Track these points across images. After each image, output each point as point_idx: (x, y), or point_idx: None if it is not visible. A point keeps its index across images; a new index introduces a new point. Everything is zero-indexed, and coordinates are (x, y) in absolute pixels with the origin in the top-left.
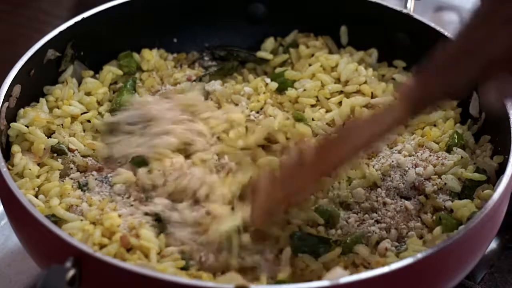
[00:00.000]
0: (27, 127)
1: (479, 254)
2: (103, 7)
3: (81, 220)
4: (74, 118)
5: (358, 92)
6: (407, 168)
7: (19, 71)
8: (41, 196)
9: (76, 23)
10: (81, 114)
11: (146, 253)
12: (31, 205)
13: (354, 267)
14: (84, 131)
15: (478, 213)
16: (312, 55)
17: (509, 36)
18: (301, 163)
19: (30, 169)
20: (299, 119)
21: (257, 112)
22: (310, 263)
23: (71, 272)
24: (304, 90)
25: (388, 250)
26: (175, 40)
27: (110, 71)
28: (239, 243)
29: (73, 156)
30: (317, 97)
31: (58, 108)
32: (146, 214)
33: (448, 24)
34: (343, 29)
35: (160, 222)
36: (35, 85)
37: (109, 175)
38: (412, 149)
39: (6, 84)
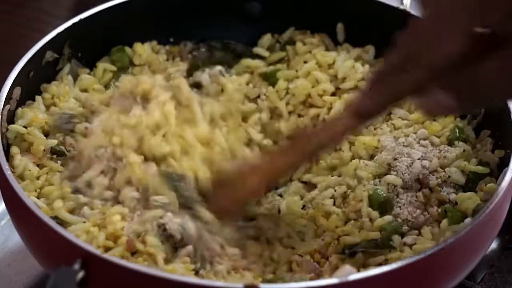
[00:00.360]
0: (26, 127)
1: (482, 251)
2: (101, 7)
3: (84, 222)
4: None
5: (355, 88)
6: (412, 161)
7: (18, 73)
8: (42, 199)
9: (74, 24)
10: None
11: (152, 258)
12: (37, 208)
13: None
14: None
15: (484, 207)
16: (309, 52)
17: (449, 47)
18: (252, 168)
19: (30, 170)
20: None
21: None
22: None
23: (81, 274)
24: (296, 86)
25: (405, 245)
26: (171, 40)
27: (104, 68)
28: None
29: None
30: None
31: (55, 106)
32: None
33: None
34: (340, 26)
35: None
36: (34, 87)
37: None
38: (415, 142)
39: (7, 87)
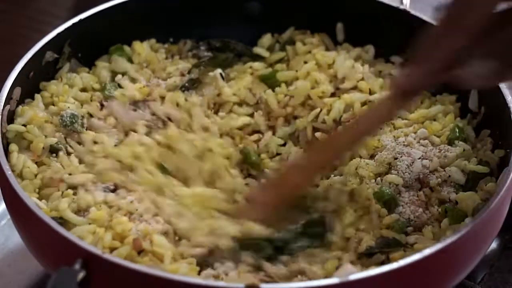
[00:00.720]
0: (25, 125)
1: (483, 250)
2: (100, 7)
3: (89, 224)
4: None
5: (355, 88)
6: (412, 160)
7: (18, 73)
8: (44, 201)
9: (73, 24)
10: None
11: (159, 257)
12: (38, 208)
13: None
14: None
15: (485, 206)
16: (309, 52)
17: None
18: (300, 162)
19: (28, 167)
20: None
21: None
22: None
23: (81, 274)
24: (296, 88)
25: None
26: (171, 39)
27: (104, 67)
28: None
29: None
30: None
31: (54, 105)
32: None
33: None
34: (339, 26)
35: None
36: (34, 87)
37: None
38: (415, 142)
39: (7, 87)
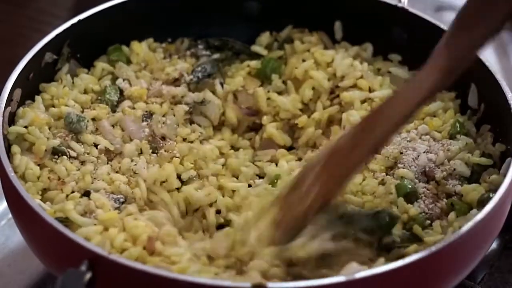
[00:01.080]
0: (26, 127)
1: (487, 246)
2: (99, 8)
3: (95, 224)
4: None
5: (354, 86)
6: (418, 154)
7: (18, 75)
8: (48, 203)
9: (72, 24)
10: None
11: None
12: (42, 210)
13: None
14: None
15: (491, 201)
16: (307, 50)
17: None
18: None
19: (31, 169)
20: None
21: None
22: None
23: (88, 275)
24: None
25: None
26: (169, 40)
27: (102, 67)
28: None
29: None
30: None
31: (54, 107)
32: None
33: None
34: (338, 24)
35: None
36: (34, 88)
37: None
38: (417, 137)
39: (7, 89)
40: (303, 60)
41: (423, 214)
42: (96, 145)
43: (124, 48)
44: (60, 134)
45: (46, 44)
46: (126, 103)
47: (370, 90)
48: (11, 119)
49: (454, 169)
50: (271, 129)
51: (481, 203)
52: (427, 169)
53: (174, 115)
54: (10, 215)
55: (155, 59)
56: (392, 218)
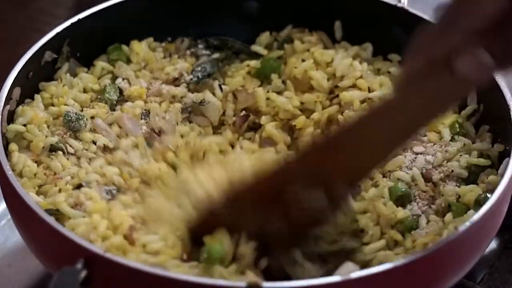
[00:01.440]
0: (25, 125)
1: (484, 246)
2: (99, 7)
3: (84, 217)
4: None
5: (353, 86)
6: (415, 155)
7: (18, 73)
8: (41, 197)
9: (72, 23)
10: None
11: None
12: (39, 208)
13: None
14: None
15: (488, 201)
16: (307, 50)
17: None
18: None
19: (28, 166)
20: None
21: None
22: None
23: (83, 273)
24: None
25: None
26: (169, 38)
27: (102, 67)
28: None
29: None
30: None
31: (53, 105)
32: None
33: None
34: (338, 24)
35: None
36: (33, 87)
37: None
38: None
39: (6, 87)
40: (303, 60)
41: (414, 216)
42: (94, 143)
43: (124, 47)
44: (59, 132)
45: (46, 43)
46: (126, 102)
47: (370, 90)
48: (10, 118)
49: (452, 171)
50: (270, 128)
51: (478, 203)
52: (424, 171)
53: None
54: (10, 216)
55: (155, 59)
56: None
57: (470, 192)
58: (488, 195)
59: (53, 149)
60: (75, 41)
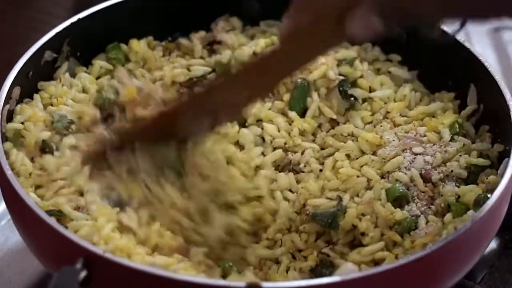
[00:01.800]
0: (23, 123)
1: (484, 246)
2: (99, 7)
3: (87, 220)
4: None
5: (354, 86)
6: (415, 156)
7: (18, 73)
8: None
9: (72, 23)
10: None
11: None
12: (39, 208)
13: None
14: None
15: (488, 201)
16: None
17: None
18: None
19: (25, 165)
20: None
21: None
22: None
23: (83, 273)
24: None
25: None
26: (169, 38)
27: (100, 66)
28: None
29: None
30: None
31: (52, 105)
32: None
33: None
34: None
35: None
36: (33, 87)
37: None
38: (416, 139)
39: (6, 86)
40: None
41: (413, 217)
42: None
43: (123, 46)
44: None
45: (45, 43)
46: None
47: (370, 90)
48: (10, 117)
49: (452, 171)
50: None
51: (478, 203)
52: (423, 171)
53: None
54: (9, 216)
55: (154, 58)
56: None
57: (470, 192)
58: (488, 195)
59: (46, 146)
60: (75, 40)
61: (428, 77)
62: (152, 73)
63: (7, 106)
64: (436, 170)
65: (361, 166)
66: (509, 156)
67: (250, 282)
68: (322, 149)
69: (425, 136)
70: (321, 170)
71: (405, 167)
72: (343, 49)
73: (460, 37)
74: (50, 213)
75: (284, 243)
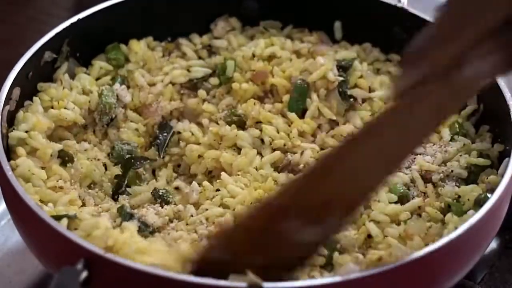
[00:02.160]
0: (27, 132)
1: (484, 246)
2: (99, 7)
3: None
4: None
5: (354, 86)
6: (415, 156)
7: (17, 74)
8: (50, 204)
9: (72, 24)
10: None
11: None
12: (39, 208)
13: None
14: None
15: (488, 201)
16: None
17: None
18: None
19: (34, 174)
20: None
21: None
22: None
23: (84, 274)
24: None
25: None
26: (169, 39)
27: (100, 66)
28: None
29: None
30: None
31: (53, 108)
32: None
33: None
34: (337, 24)
35: None
36: (33, 87)
37: None
38: None
39: (6, 87)
40: None
41: (413, 217)
42: None
43: (123, 46)
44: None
45: (45, 43)
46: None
47: (370, 90)
48: (9, 118)
49: (452, 171)
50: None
51: (478, 203)
52: (423, 171)
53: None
54: (9, 216)
55: (154, 58)
56: None
57: (470, 192)
58: (488, 195)
59: (61, 155)
60: (75, 41)
61: None
62: (152, 73)
63: (7, 107)
64: (436, 170)
65: None
66: (509, 156)
67: (251, 282)
68: (322, 149)
69: None
70: None
71: (406, 167)
72: (343, 49)
73: None
74: (59, 217)
75: None
